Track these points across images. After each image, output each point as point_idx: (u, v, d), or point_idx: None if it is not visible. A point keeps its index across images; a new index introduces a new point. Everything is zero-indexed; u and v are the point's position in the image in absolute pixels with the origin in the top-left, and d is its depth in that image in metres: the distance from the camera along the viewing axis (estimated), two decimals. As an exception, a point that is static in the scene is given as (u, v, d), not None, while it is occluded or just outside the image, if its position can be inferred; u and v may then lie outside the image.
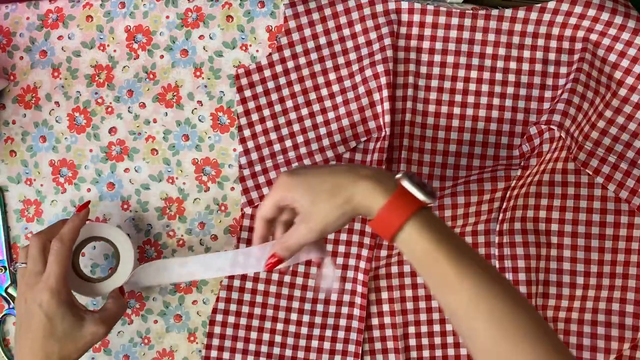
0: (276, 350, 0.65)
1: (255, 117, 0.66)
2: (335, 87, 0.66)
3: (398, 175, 0.47)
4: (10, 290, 0.67)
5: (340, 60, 0.66)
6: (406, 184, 0.46)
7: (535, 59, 0.64)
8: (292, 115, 0.66)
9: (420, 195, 0.46)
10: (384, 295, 0.65)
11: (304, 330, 0.65)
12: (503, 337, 0.43)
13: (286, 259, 0.51)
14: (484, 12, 0.64)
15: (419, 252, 0.45)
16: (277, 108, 0.66)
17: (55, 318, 0.53)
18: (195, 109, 0.67)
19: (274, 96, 0.66)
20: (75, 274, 0.60)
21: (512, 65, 0.65)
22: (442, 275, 0.45)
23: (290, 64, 0.66)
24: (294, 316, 0.66)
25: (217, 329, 0.66)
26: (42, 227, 0.67)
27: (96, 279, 0.61)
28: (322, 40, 0.66)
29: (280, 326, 0.66)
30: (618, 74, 0.63)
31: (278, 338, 0.66)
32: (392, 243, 0.47)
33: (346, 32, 0.65)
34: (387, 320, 0.65)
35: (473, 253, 0.46)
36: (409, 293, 0.65)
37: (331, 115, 0.66)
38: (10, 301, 0.67)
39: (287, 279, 0.66)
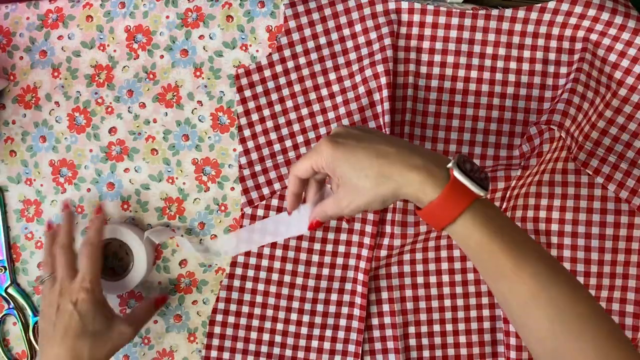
0: (276, 351, 0.65)
1: (255, 117, 0.66)
2: (335, 87, 0.66)
3: (450, 164, 0.44)
4: (10, 290, 0.67)
5: (340, 60, 0.66)
6: (459, 176, 0.43)
7: (536, 59, 0.64)
8: (292, 115, 0.66)
9: (473, 188, 0.43)
10: (384, 295, 0.65)
11: (304, 330, 0.65)
12: (562, 328, 0.41)
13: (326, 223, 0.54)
14: (484, 12, 0.64)
15: (472, 245, 0.44)
16: (277, 108, 0.66)
17: (87, 316, 0.54)
18: (195, 109, 0.67)
19: (274, 96, 0.66)
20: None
21: (512, 65, 0.65)
22: (498, 267, 0.43)
23: (290, 64, 0.66)
24: (294, 316, 0.66)
25: (217, 329, 0.66)
26: (42, 227, 0.67)
27: (110, 278, 0.64)
28: (322, 40, 0.66)
29: (280, 326, 0.66)
30: (618, 74, 0.63)
31: (278, 338, 0.66)
32: (442, 232, 0.46)
33: (346, 32, 0.65)
34: (387, 320, 0.65)
35: (531, 242, 0.44)
36: (409, 293, 0.65)
37: (331, 115, 0.66)
38: (11, 301, 0.67)
39: (287, 279, 0.66)
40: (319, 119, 0.66)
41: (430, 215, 0.44)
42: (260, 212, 0.66)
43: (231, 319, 0.66)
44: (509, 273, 0.42)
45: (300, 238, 0.65)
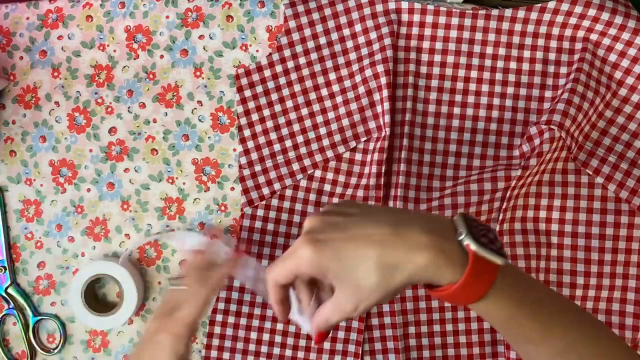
0: (276, 351, 0.65)
1: (255, 117, 0.66)
2: (335, 87, 0.66)
3: (462, 237, 0.38)
4: (10, 290, 0.67)
5: (340, 60, 0.66)
6: (479, 250, 0.37)
7: (536, 58, 0.64)
8: (292, 115, 0.66)
9: (496, 260, 0.38)
10: (384, 295, 0.65)
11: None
12: None
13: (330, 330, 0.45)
14: (484, 12, 0.64)
15: (502, 318, 0.40)
16: (277, 108, 0.66)
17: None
18: (195, 109, 0.67)
19: (274, 96, 0.66)
20: (89, 312, 0.64)
21: (512, 65, 0.65)
22: (525, 334, 0.40)
23: (290, 64, 0.66)
24: (294, 316, 0.65)
25: (217, 329, 0.66)
26: (42, 227, 0.67)
27: (105, 313, 0.64)
28: (322, 40, 0.65)
29: (280, 326, 0.66)
30: (618, 74, 0.63)
31: (278, 338, 0.66)
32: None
33: (346, 32, 0.65)
34: (387, 320, 0.65)
35: (555, 299, 0.42)
36: (408, 293, 0.65)
37: (331, 115, 0.66)
38: (10, 301, 0.67)
39: (287, 279, 0.66)
40: (319, 119, 0.66)
41: (453, 297, 0.38)
42: (260, 212, 0.66)
43: (231, 319, 0.66)
44: (536, 339, 0.40)
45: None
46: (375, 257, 0.38)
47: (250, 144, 0.66)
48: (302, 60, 0.66)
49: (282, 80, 0.66)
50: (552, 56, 0.64)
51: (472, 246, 0.37)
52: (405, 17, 0.65)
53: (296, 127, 0.66)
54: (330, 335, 0.65)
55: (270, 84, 0.66)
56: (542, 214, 0.64)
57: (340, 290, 0.40)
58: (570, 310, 0.41)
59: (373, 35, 0.65)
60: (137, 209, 0.67)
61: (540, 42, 0.64)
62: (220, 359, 0.66)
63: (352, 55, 0.65)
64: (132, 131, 0.67)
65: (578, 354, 0.39)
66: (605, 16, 0.61)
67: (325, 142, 0.66)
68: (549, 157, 0.62)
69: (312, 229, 0.41)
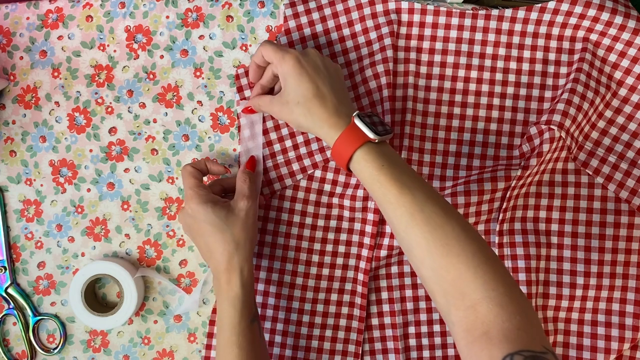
0: (276, 351, 0.65)
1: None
2: (335, 87, 0.66)
3: (354, 114, 0.54)
4: (10, 290, 0.67)
5: (340, 60, 0.66)
6: (356, 121, 0.53)
7: (536, 59, 0.64)
8: (292, 115, 0.66)
9: (368, 132, 0.53)
10: (384, 295, 0.65)
11: (304, 330, 0.65)
12: (436, 245, 0.48)
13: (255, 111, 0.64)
14: (484, 12, 0.64)
15: (366, 177, 0.53)
16: (277, 108, 0.66)
17: (205, 216, 0.58)
18: (195, 109, 0.67)
19: (274, 96, 0.66)
20: (89, 312, 0.64)
21: (512, 65, 0.65)
22: (385, 195, 0.51)
23: (290, 64, 0.66)
24: (294, 316, 0.66)
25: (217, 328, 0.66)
26: (42, 227, 0.67)
27: (105, 313, 0.64)
28: (322, 40, 0.65)
29: (280, 326, 0.66)
30: (618, 74, 0.63)
31: (278, 338, 0.66)
32: (348, 171, 0.55)
33: (346, 32, 0.65)
34: (387, 320, 0.65)
35: (414, 175, 0.52)
36: (409, 293, 0.65)
37: (331, 115, 0.66)
38: (11, 301, 0.67)
39: (287, 279, 0.66)
40: (319, 119, 0.66)
41: (335, 154, 0.54)
42: (260, 212, 0.66)
43: (231, 319, 0.66)
44: (393, 200, 0.50)
45: (300, 238, 0.65)
46: (309, 101, 0.56)
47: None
48: (302, 60, 0.66)
49: (282, 80, 0.66)
50: (552, 56, 0.64)
51: (355, 119, 0.54)
52: (405, 17, 0.65)
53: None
54: (330, 336, 0.65)
55: (270, 84, 0.66)
56: (542, 214, 0.64)
57: (281, 95, 0.58)
58: (424, 187, 0.51)
59: (373, 35, 0.65)
60: (137, 209, 0.67)
61: (540, 42, 0.64)
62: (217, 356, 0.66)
63: (352, 55, 0.65)
64: (132, 131, 0.67)
65: (424, 217, 0.49)
66: (605, 16, 0.61)
67: (325, 142, 0.66)
68: (549, 157, 0.62)
69: (304, 53, 0.57)
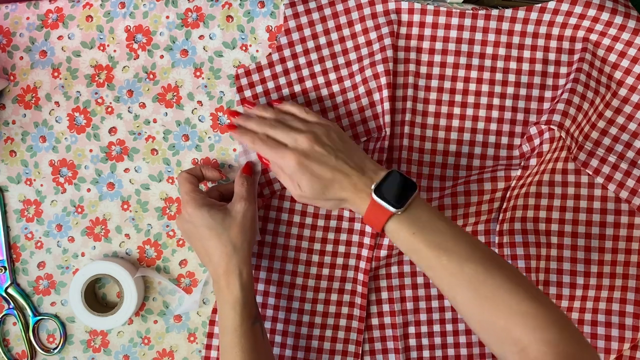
0: (276, 351, 0.65)
1: (255, 117, 0.66)
2: (335, 87, 0.66)
3: (372, 187, 0.54)
4: (10, 291, 0.67)
5: (340, 60, 0.66)
6: (376, 199, 0.53)
7: (535, 59, 0.64)
8: (292, 115, 0.66)
9: (389, 207, 0.52)
10: (384, 295, 0.65)
11: (304, 330, 0.65)
12: (480, 301, 0.49)
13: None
14: (484, 12, 0.64)
15: (402, 247, 0.54)
16: (277, 108, 0.66)
17: (202, 220, 0.58)
18: (195, 109, 0.67)
19: (274, 96, 0.66)
20: (89, 312, 0.64)
21: (512, 65, 0.65)
22: (422, 260, 0.52)
23: (290, 64, 0.66)
24: (294, 316, 0.66)
25: (217, 329, 0.66)
26: (42, 227, 0.67)
27: (105, 313, 0.64)
28: (322, 40, 0.65)
29: (280, 326, 0.66)
30: (618, 74, 0.63)
31: (278, 338, 0.66)
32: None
33: (346, 32, 0.65)
34: (387, 320, 0.65)
35: (449, 234, 0.52)
36: (409, 293, 0.65)
37: (331, 115, 0.66)
38: (11, 301, 0.67)
39: (287, 279, 0.66)
40: (319, 119, 0.66)
41: (368, 224, 0.54)
42: (260, 212, 0.66)
43: (231, 319, 0.66)
44: (431, 264, 0.51)
45: (300, 238, 0.65)
46: (325, 196, 0.56)
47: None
48: (302, 60, 0.66)
49: (282, 81, 0.66)
50: (552, 56, 0.64)
51: (374, 196, 0.53)
52: (405, 17, 0.65)
53: (296, 127, 0.66)
54: (330, 336, 0.65)
55: (270, 84, 0.66)
56: (542, 214, 0.64)
57: (304, 192, 0.57)
58: (462, 242, 0.51)
59: (373, 35, 0.65)
60: (137, 209, 0.67)
61: (540, 42, 0.64)
62: (220, 359, 0.66)
63: (352, 56, 0.65)
64: (132, 131, 0.67)
65: (466, 275, 0.49)
66: (605, 16, 0.61)
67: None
68: (549, 157, 0.62)
69: (303, 153, 0.56)
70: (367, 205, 0.54)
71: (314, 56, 0.65)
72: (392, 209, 0.52)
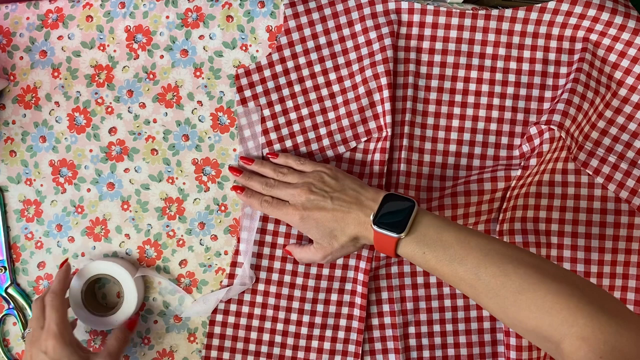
0: (276, 351, 0.65)
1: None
2: (336, 87, 0.66)
3: (371, 217, 0.54)
4: (10, 291, 0.67)
5: (341, 60, 0.66)
6: (377, 229, 0.53)
7: (536, 59, 0.64)
8: (292, 116, 0.66)
9: (392, 234, 0.53)
10: (384, 295, 0.65)
11: (304, 330, 0.65)
12: (504, 306, 0.48)
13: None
14: (484, 12, 0.64)
15: (418, 265, 0.54)
16: (277, 108, 0.66)
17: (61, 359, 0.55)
18: (195, 109, 0.67)
19: (274, 96, 0.66)
20: (89, 312, 0.64)
21: (512, 65, 0.65)
22: (440, 275, 0.52)
23: (290, 64, 0.66)
24: (294, 316, 0.66)
25: (217, 329, 0.66)
26: (42, 227, 0.67)
27: (106, 314, 0.64)
28: (322, 40, 0.65)
29: (280, 326, 0.66)
30: (618, 74, 0.63)
31: (278, 338, 0.66)
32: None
33: (346, 32, 0.65)
34: (387, 320, 0.65)
35: (460, 244, 0.51)
36: (409, 293, 0.65)
37: (331, 115, 0.66)
38: (11, 301, 0.67)
39: (287, 279, 0.66)
40: (319, 119, 0.66)
41: (380, 251, 0.56)
42: (260, 212, 0.66)
43: (231, 319, 0.66)
44: (449, 278, 0.51)
45: (300, 238, 0.65)
46: (330, 231, 0.58)
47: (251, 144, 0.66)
48: (302, 60, 0.66)
49: (282, 81, 0.66)
50: (552, 56, 0.64)
51: (373, 226, 0.54)
52: (405, 17, 0.65)
53: (296, 127, 0.66)
54: (331, 336, 0.65)
55: (270, 84, 0.66)
56: (542, 214, 0.64)
57: (316, 241, 0.59)
58: (474, 249, 0.50)
59: (373, 35, 0.65)
60: (137, 209, 0.67)
61: (540, 42, 0.64)
62: (220, 359, 0.66)
63: (352, 55, 0.65)
64: (132, 131, 0.67)
65: (484, 283, 0.49)
66: (605, 16, 0.61)
67: (326, 142, 0.66)
68: (549, 157, 0.62)
69: (302, 205, 0.58)
70: (372, 235, 0.55)
71: (314, 56, 0.66)
72: (395, 235, 0.53)
